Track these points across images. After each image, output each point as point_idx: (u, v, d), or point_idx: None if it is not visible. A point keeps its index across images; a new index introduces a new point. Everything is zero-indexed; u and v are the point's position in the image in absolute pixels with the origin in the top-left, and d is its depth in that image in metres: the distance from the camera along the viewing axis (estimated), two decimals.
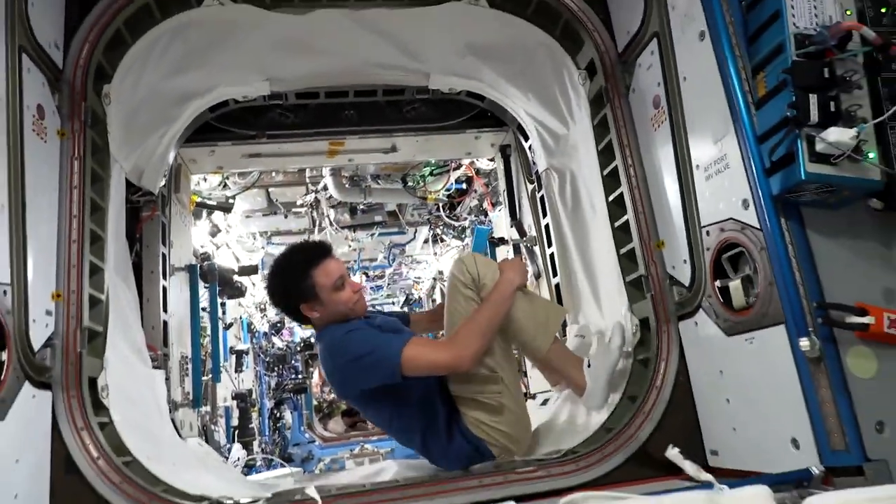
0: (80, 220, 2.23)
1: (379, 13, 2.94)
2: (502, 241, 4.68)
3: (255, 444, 6.97)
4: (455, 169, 5.99)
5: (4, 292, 1.82)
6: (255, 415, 7.25)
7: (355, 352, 2.48)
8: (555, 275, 3.52)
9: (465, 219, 6.99)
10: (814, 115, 1.69)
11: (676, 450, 1.48)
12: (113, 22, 2.45)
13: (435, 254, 9.24)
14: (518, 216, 4.30)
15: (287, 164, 4.76)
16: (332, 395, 12.29)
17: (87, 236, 2.27)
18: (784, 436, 1.89)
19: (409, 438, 2.79)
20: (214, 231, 5.87)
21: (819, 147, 1.68)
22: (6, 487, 1.75)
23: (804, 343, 1.73)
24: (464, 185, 6.56)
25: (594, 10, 2.78)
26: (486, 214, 6.33)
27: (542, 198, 3.60)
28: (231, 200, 5.61)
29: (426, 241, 8.97)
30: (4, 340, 1.79)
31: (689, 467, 1.38)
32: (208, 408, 4.91)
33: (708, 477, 1.32)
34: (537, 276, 4.06)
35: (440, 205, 6.60)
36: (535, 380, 3.98)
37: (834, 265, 1.84)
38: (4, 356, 1.80)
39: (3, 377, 1.78)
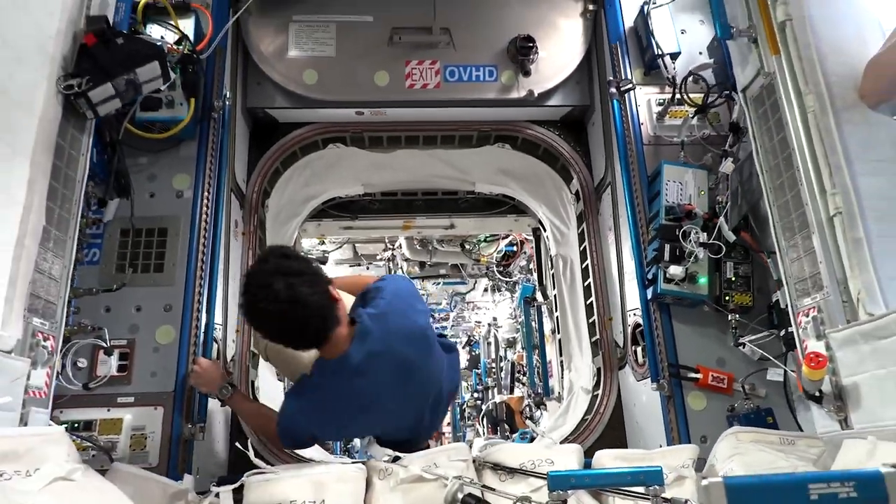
0: None
1: (441, 151, 4.41)
2: (534, 299, 6.01)
3: None
4: (504, 237, 7.38)
5: (219, 329, 3.32)
6: None
7: None
8: (558, 332, 4.81)
9: (516, 276, 8.31)
10: (666, 256, 2.97)
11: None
12: (275, 163, 4.01)
13: (493, 301, 10.55)
14: (543, 283, 5.63)
15: (371, 234, 6.34)
16: None
17: None
18: (657, 444, 3.13)
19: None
20: None
21: (668, 275, 2.96)
22: (223, 443, 3.22)
23: (653, 386, 3.00)
24: (514, 248, 7.93)
25: (580, 156, 4.13)
26: (532, 273, 7.64)
27: (553, 275, 4.92)
28: (327, 255, 7.25)
29: (485, 290, 10.31)
30: (219, 356, 3.29)
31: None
32: None
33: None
34: (553, 332, 5.35)
35: (493, 264, 7.97)
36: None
37: (687, 341, 3.08)
38: None
39: None
